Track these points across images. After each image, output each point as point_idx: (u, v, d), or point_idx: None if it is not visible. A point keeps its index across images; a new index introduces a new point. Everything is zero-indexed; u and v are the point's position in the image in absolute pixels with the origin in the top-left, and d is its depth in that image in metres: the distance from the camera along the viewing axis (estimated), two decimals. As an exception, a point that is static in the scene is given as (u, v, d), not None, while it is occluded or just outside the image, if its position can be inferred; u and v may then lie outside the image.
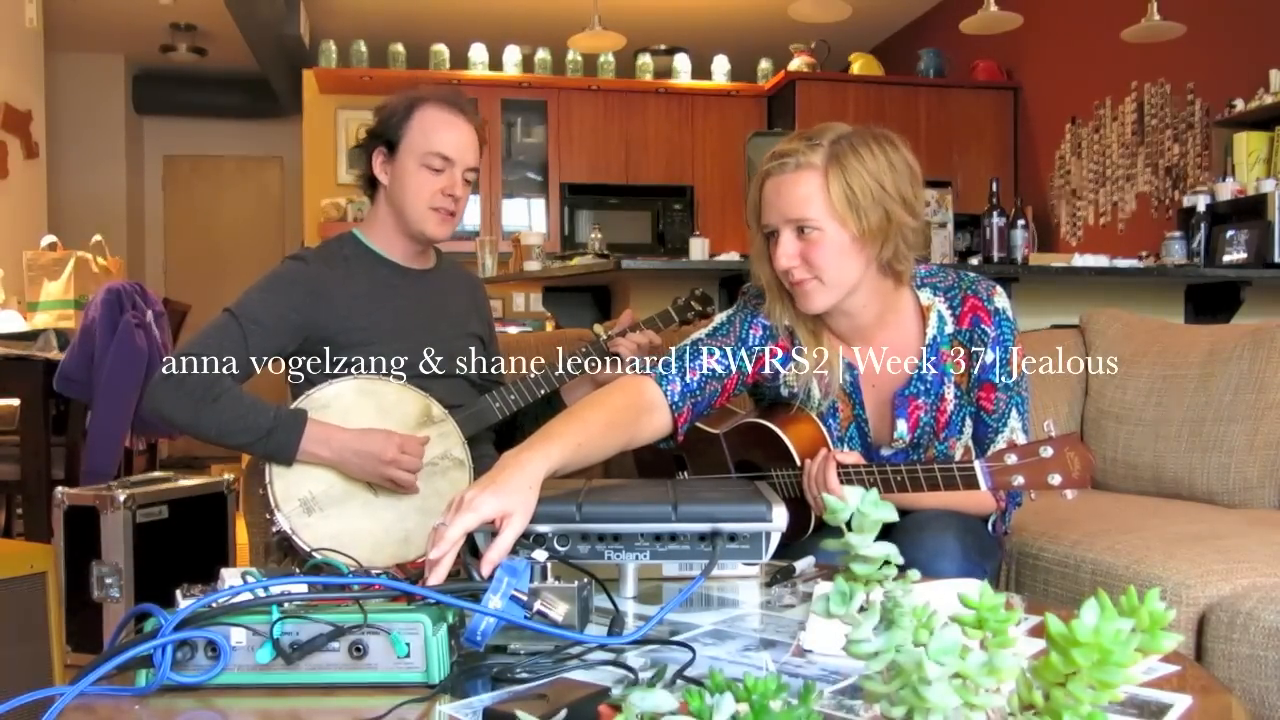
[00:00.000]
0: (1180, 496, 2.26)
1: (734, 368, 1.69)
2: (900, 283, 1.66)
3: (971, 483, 1.46)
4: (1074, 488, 1.40)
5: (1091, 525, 1.91)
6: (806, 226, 1.55)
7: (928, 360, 1.66)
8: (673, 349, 1.71)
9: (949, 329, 1.66)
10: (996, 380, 1.65)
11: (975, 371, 1.66)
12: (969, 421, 1.68)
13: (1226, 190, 4.16)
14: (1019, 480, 1.42)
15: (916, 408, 1.67)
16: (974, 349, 1.65)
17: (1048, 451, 1.40)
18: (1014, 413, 1.66)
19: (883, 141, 1.58)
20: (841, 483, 1.52)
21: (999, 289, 1.69)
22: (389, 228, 1.94)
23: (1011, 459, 1.42)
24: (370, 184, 1.95)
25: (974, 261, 3.70)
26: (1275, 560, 1.66)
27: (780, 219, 1.57)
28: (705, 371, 1.66)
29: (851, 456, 1.59)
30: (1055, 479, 1.40)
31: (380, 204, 1.94)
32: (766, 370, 1.73)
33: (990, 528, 1.70)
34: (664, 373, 1.64)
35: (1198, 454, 2.23)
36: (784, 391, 1.75)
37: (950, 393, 1.67)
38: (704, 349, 1.68)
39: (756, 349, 1.71)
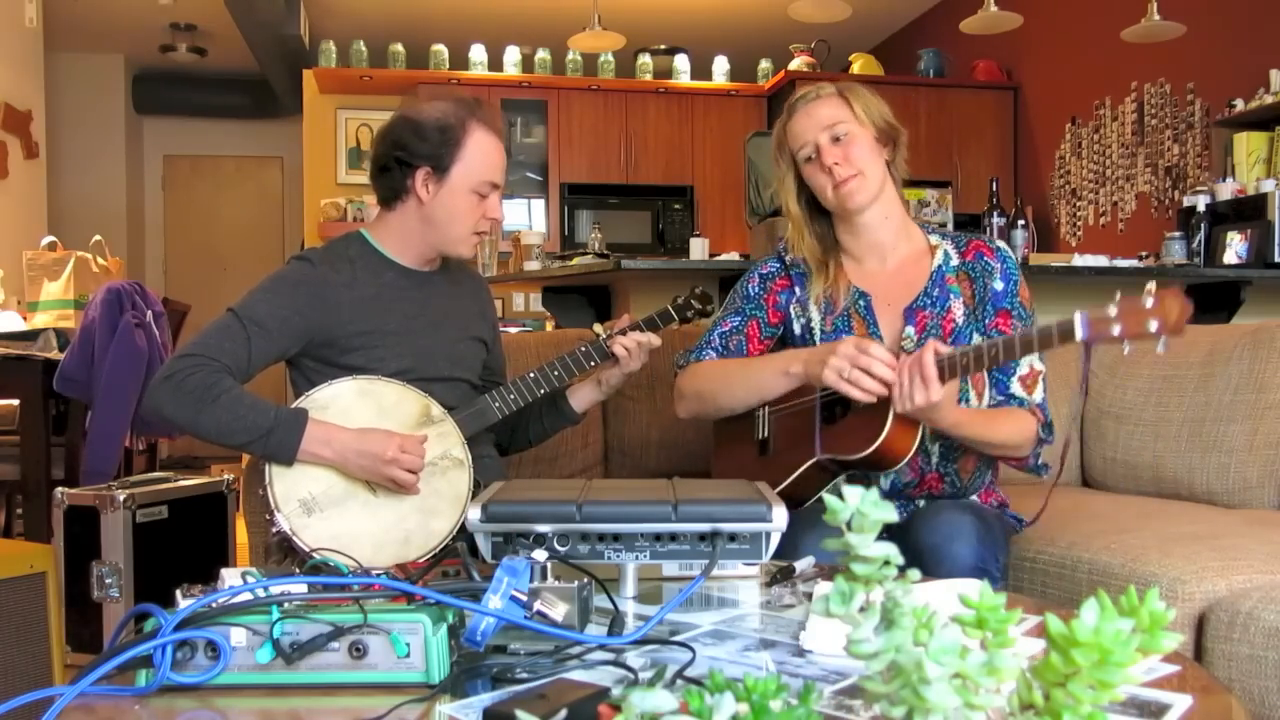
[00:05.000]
0: (1180, 496, 2.26)
1: (748, 317, 1.96)
2: (907, 208, 1.93)
3: (1068, 335, 1.49)
4: (1171, 334, 1.43)
5: (1088, 526, 1.91)
6: (840, 130, 1.82)
7: (933, 282, 1.86)
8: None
9: (954, 262, 1.88)
10: (1011, 309, 1.82)
11: (986, 298, 1.84)
12: (978, 339, 1.80)
13: (1226, 190, 4.16)
14: (1116, 330, 1.46)
15: (923, 317, 1.84)
16: (975, 277, 1.86)
17: (1149, 301, 1.44)
18: None
19: (867, 86, 1.92)
20: (940, 367, 1.58)
21: (1001, 240, 1.94)
22: (411, 237, 1.91)
23: (1111, 310, 1.46)
24: (394, 194, 1.89)
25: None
26: (1274, 559, 1.66)
27: (817, 131, 1.83)
28: (725, 330, 1.97)
29: (946, 349, 1.63)
30: (1153, 325, 1.43)
31: (407, 216, 1.89)
32: (778, 309, 1.96)
33: (1002, 519, 1.79)
34: (698, 355, 1.96)
35: (1197, 454, 2.23)
36: (796, 326, 1.94)
37: (957, 309, 1.85)
38: (717, 325, 1.98)
39: (758, 295, 1.97)
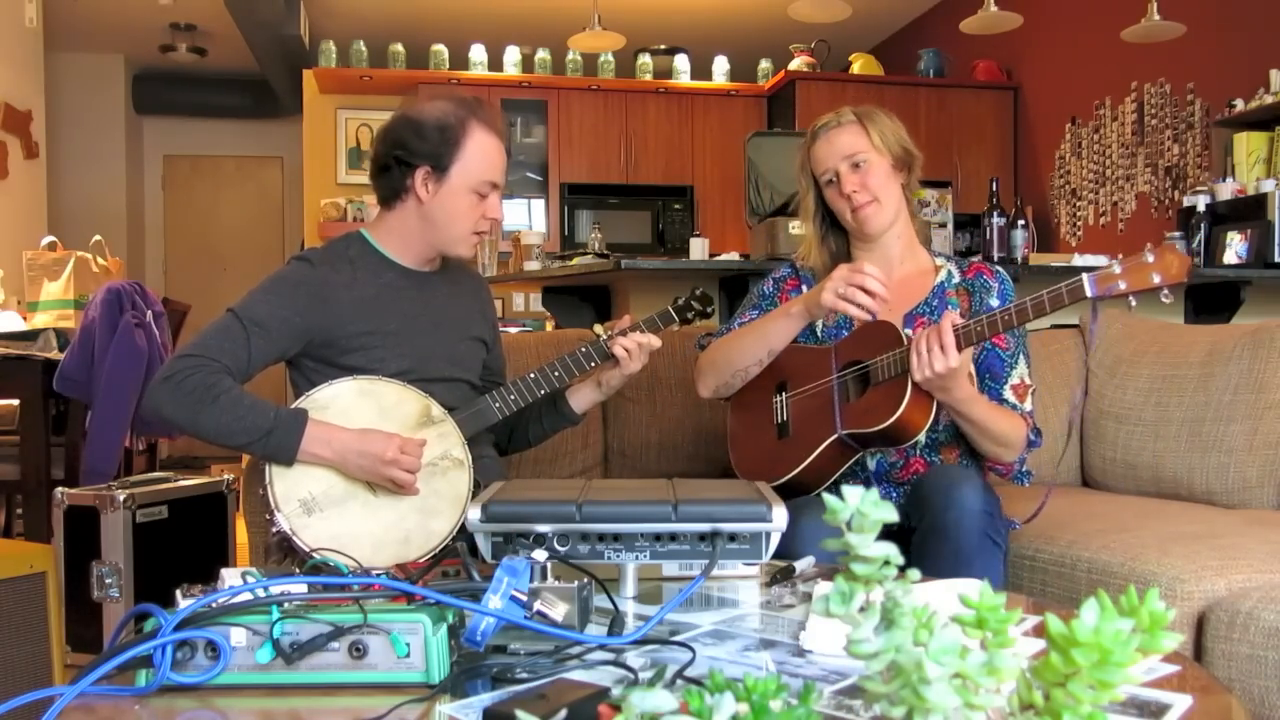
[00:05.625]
0: (1179, 496, 2.26)
1: (763, 311, 2.04)
2: (916, 227, 2.04)
3: (1078, 293, 1.61)
4: (1172, 283, 1.55)
5: (1088, 525, 1.91)
6: (859, 159, 1.94)
7: (934, 293, 1.98)
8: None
9: (955, 280, 2.00)
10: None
11: (981, 312, 1.83)
12: (970, 350, 1.85)
13: (1226, 190, 4.16)
14: (1122, 285, 1.57)
15: (922, 323, 1.94)
16: (974, 291, 1.97)
17: (1150, 257, 1.57)
18: (1022, 356, 1.92)
19: (883, 109, 2.03)
20: (955, 335, 1.68)
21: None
22: (411, 237, 1.91)
23: (1116, 268, 1.58)
24: (394, 194, 1.89)
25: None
26: (1271, 558, 1.66)
27: (838, 159, 1.95)
28: (743, 321, 2.05)
29: (961, 320, 1.72)
30: (1156, 278, 1.55)
31: (407, 215, 1.89)
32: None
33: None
34: (716, 338, 2.05)
35: (1197, 454, 2.23)
36: None
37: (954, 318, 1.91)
38: (736, 317, 2.08)
39: (773, 294, 2.10)
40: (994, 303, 1.93)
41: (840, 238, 2.05)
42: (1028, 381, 1.91)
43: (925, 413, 1.74)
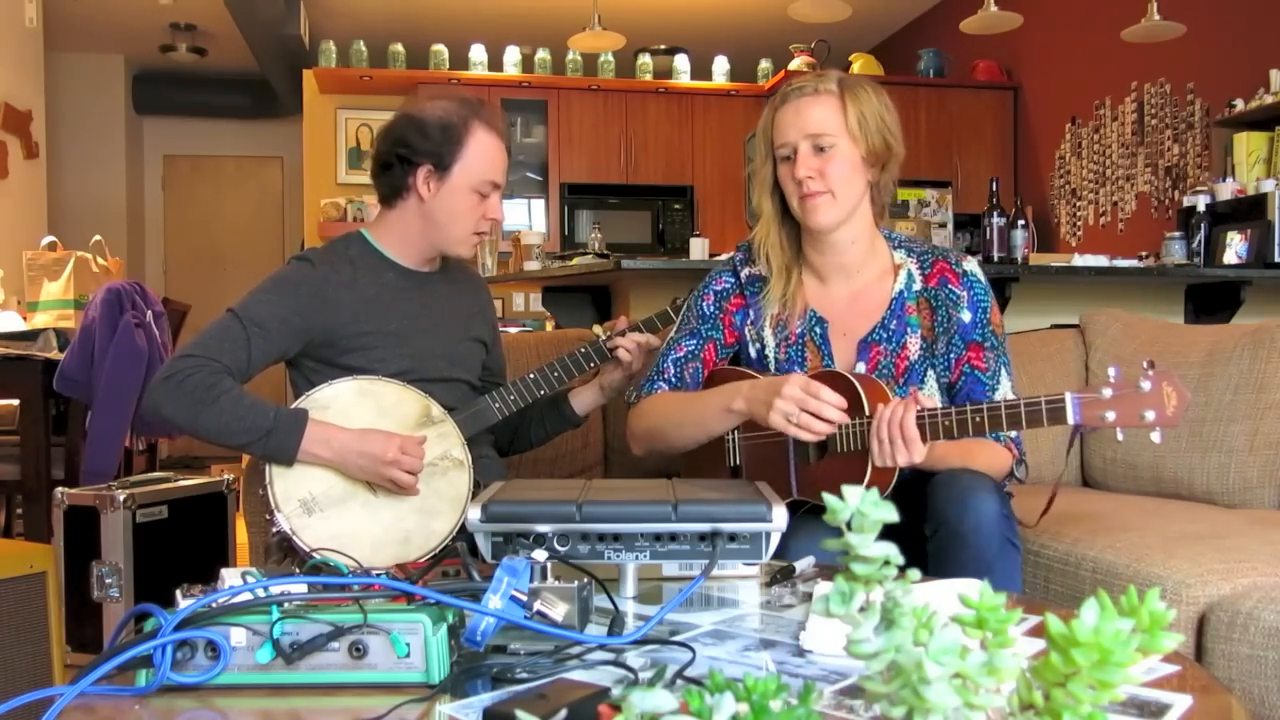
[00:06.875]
0: (1180, 496, 2.26)
1: (704, 340, 1.86)
2: (878, 227, 1.81)
3: (1059, 417, 1.40)
4: (1166, 426, 1.34)
5: (1091, 524, 1.91)
6: (824, 142, 1.69)
7: (891, 311, 1.77)
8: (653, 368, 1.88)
9: (916, 286, 1.78)
10: (982, 340, 1.74)
11: (951, 329, 1.75)
12: (932, 375, 1.76)
13: (1226, 190, 4.16)
14: (1110, 416, 1.37)
15: (877, 353, 1.77)
16: (937, 306, 1.76)
17: (1146, 385, 1.35)
18: (1003, 372, 1.75)
19: (877, 86, 1.76)
20: (920, 427, 1.49)
21: (970, 257, 1.81)
22: (411, 236, 1.91)
23: (1106, 393, 1.37)
24: (395, 192, 1.89)
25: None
26: (1275, 560, 1.65)
27: (800, 135, 1.70)
28: (680, 356, 1.86)
29: (930, 401, 1.54)
30: (1149, 415, 1.34)
31: (407, 215, 1.89)
32: (734, 329, 1.87)
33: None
34: (650, 387, 1.86)
35: (1197, 454, 2.23)
36: (751, 350, 1.85)
37: (914, 344, 1.76)
38: (671, 349, 1.88)
39: (714, 314, 1.87)
40: (965, 317, 1.74)
41: (794, 227, 1.80)
42: (1009, 398, 1.69)
43: (889, 474, 1.59)
